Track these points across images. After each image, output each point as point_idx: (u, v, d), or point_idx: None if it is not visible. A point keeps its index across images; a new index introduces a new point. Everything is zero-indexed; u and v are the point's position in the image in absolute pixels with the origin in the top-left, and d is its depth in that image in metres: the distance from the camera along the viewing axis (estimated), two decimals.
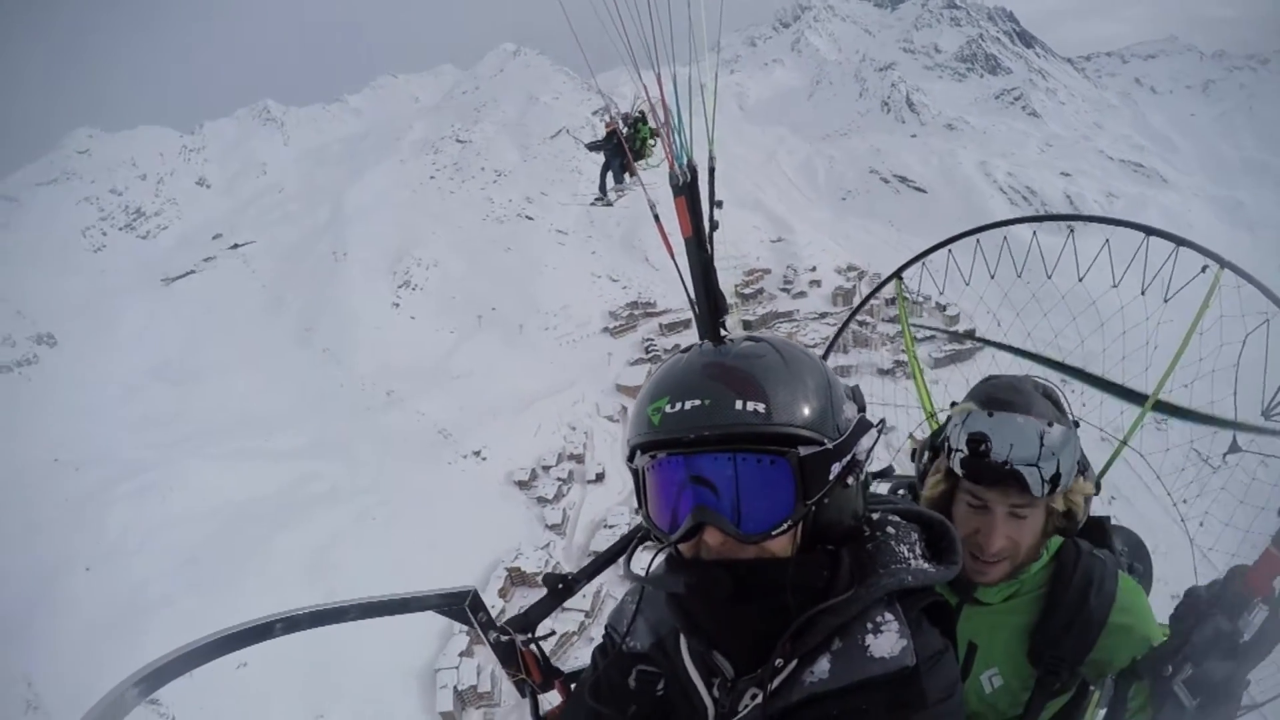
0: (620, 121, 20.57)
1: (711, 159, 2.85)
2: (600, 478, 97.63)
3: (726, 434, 1.68)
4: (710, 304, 2.84)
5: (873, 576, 1.80)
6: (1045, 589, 2.99)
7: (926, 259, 6.02)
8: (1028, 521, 2.80)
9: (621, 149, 21.04)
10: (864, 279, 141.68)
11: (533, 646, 2.77)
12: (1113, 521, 3.66)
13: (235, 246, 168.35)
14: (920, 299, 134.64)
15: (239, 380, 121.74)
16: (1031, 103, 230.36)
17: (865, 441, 1.84)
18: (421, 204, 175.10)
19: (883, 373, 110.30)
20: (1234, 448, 4.70)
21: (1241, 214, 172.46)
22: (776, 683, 1.74)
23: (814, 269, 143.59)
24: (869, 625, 1.74)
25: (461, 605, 2.64)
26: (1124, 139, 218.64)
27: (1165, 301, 5.11)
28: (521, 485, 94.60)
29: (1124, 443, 4.51)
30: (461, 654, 72.46)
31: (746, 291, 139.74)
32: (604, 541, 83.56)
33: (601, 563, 3.30)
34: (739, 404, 1.67)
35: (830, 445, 1.74)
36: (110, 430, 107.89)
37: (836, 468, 1.76)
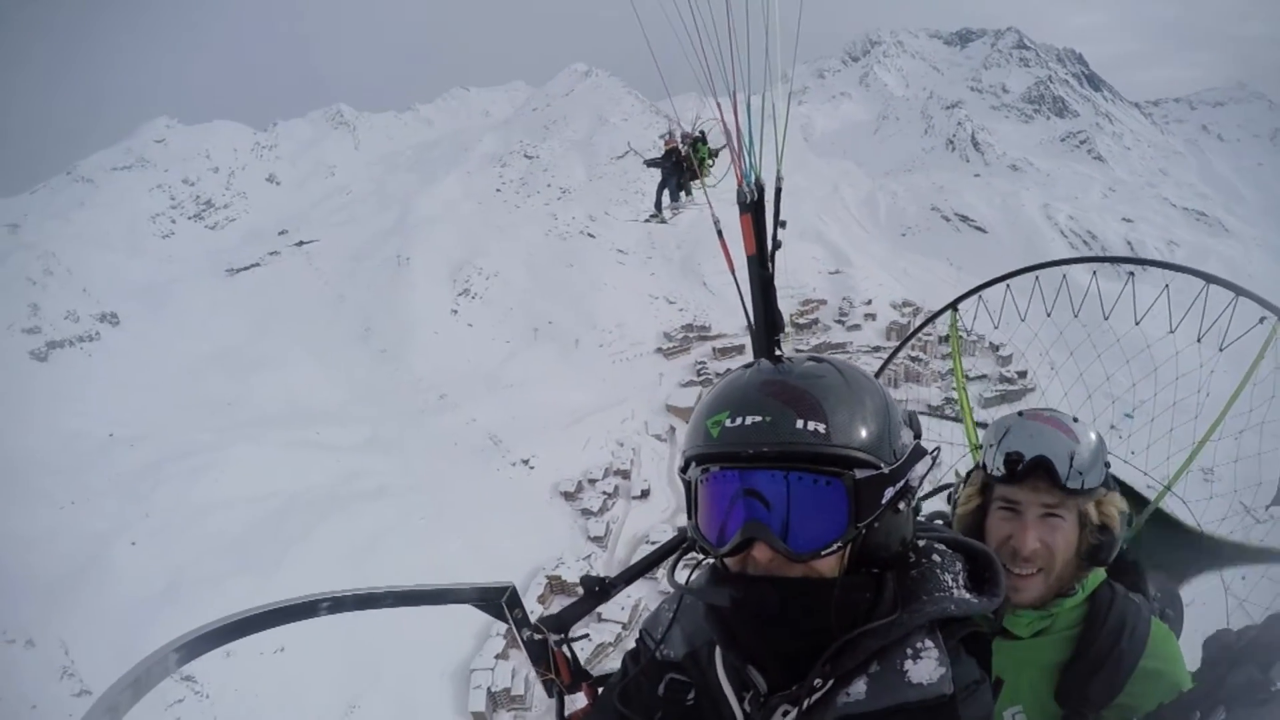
0: (680, 140, 20.53)
1: (779, 179, 3.51)
2: (645, 494, 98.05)
3: (785, 452, 1.67)
4: (768, 322, 3.62)
5: (916, 603, 1.78)
6: (1078, 629, 3.02)
7: (982, 293, 6.10)
8: (1061, 525, 2.88)
9: (680, 167, 20.95)
10: (919, 315, 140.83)
11: (565, 648, 2.81)
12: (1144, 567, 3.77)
13: (300, 244, 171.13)
14: (974, 337, 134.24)
15: (296, 373, 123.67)
16: (1097, 146, 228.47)
17: (919, 468, 1.84)
18: (487, 215, 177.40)
19: (933, 409, 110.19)
20: (1278, 499, 4.72)
21: None
22: (813, 700, 1.73)
23: (869, 302, 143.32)
24: (909, 650, 1.72)
25: (498, 601, 2.71)
26: (1188, 186, 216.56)
27: (1220, 350, 4.91)
28: (567, 496, 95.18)
29: (1167, 488, 4.53)
30: (497, 656, 73.14)
31: (801, 321, 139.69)
32: None
33: (638, 570, 3.38)
34: (799, 423, 1.66)
35: (886, 470, 1.72)
36: (167, 411, 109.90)
37: (890, 492, 1.74)
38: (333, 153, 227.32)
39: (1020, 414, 3.01)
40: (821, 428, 1.66)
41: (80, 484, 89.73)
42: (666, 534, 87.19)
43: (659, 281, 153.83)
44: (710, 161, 19.50)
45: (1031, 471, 2.82)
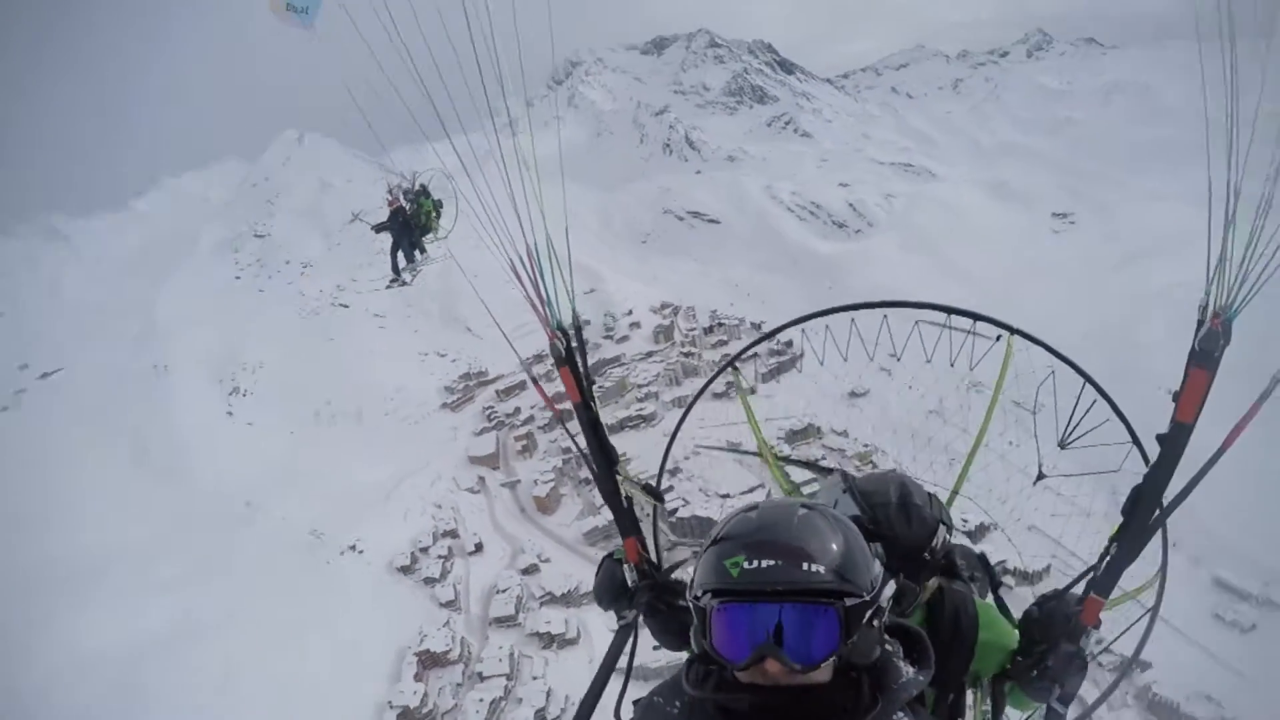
0: (402, 198, 20.83)
1: (576, 319, 4.48)
2: (479, 548, 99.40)
3: (793, 588, 2.25)
4: (605, 458, 4.66)
5: (889, 692, 2.38)
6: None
7: (762, 343, 7.32)
8: None
9: (409, 226, 21.19)
10: (679, 313, 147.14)
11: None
12: (951, 542, 4.51)
13: (45, 375, 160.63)
14: (735, 321, 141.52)
15: (91, 519, 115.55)
16: (801, 125, 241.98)
17: (887, 591, 2.46)
18: (232, 305, 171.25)
19: (717, 396, 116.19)
20: (1040, 475, 5.54)
21: (1008, 190, 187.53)
22: None
23: (630, 312, 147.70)
24: None
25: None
26: (890, 144, 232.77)
27: (971, 369, 5.45)
28: (405, 570, 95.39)
29: (955, 492, 5.43)
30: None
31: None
32: (501, 607, 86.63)
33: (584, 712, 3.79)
34: (804, 565, 2.25)
35: (867, 598, 2.33)
36: None
37: (868, 614, 2.35)
38: (53, 269, 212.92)
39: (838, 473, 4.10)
40: (820, 569, 2.26)
41: None
42: (513, 578, 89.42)
43: (425, 338, 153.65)
44: (435, 214, 20.71)
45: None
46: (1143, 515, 4.03)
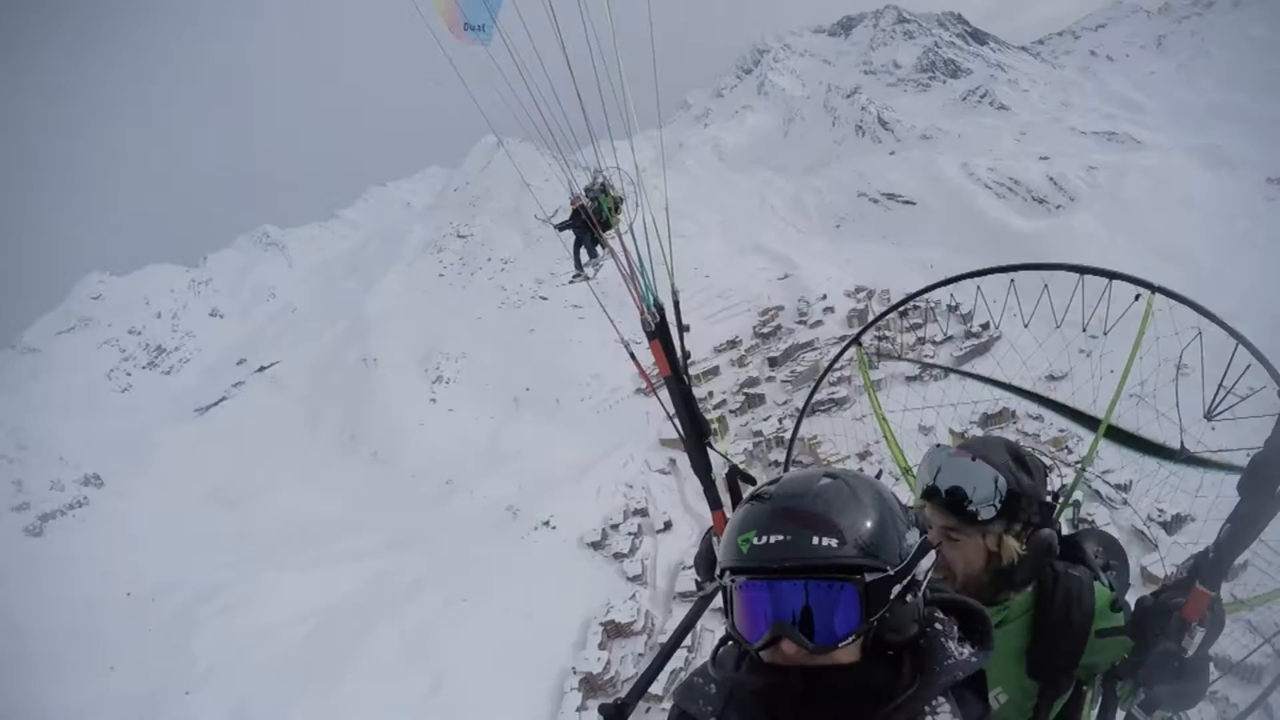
0: (583, 197, 19.86)
1: (675, 292, 4.25)
2: (668, 526, 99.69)
3: (803, 565, 2.04)
4: (695, 431, 4.42)
5: (930, 675, 2.15)
6: (1031, 613, 3.60)
7: (890, 314, 7.04)
8: (960, 546, 3.52)
9: (589, 224, 19.60)
10: (873, 297, 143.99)
11: None
12: (1084, 527, 4.49)
13: (262, 369, 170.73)
14: (931, 304, 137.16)
15: (294, 494, 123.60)
16: (997, 97, 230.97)
17: (925, 563, 2.20)
18: (437, 301, 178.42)
19: (910, 379, 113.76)
20: (1182, 451, 5.04)
21: (1221, 156, 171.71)
22: None
23: (824, 296, 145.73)
24: (926, 710, 2.12)
25: None
26: (1092, 111, 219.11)
27: (1105, 334, 5.30)
28: (595, 546, 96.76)
29: (1083, 468, 4.97)
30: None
31: (765, 331, 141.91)
32: (686, 583, 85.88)
33: (649, 678, 3.85)
34: (815, 539, 2.03)
35: (892, 572, 2.09)
36: (176, 559, 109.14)
37: (897, 589, 2.12)
38: (268, 274, 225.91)
39: (939, 447, 3.65)
40: (834, 543, 2.01)
41: (113, 648, 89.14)
42: None
43: (620, 326, 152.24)
44: (615, 211, 19.14)
45: (933, 497, 3.53)
46: (1263, 490, 3.33)
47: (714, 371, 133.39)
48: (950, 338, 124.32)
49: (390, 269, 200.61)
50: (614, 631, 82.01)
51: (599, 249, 20.44)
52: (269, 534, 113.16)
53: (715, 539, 4.28)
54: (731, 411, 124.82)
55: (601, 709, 3.41)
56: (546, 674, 77.16)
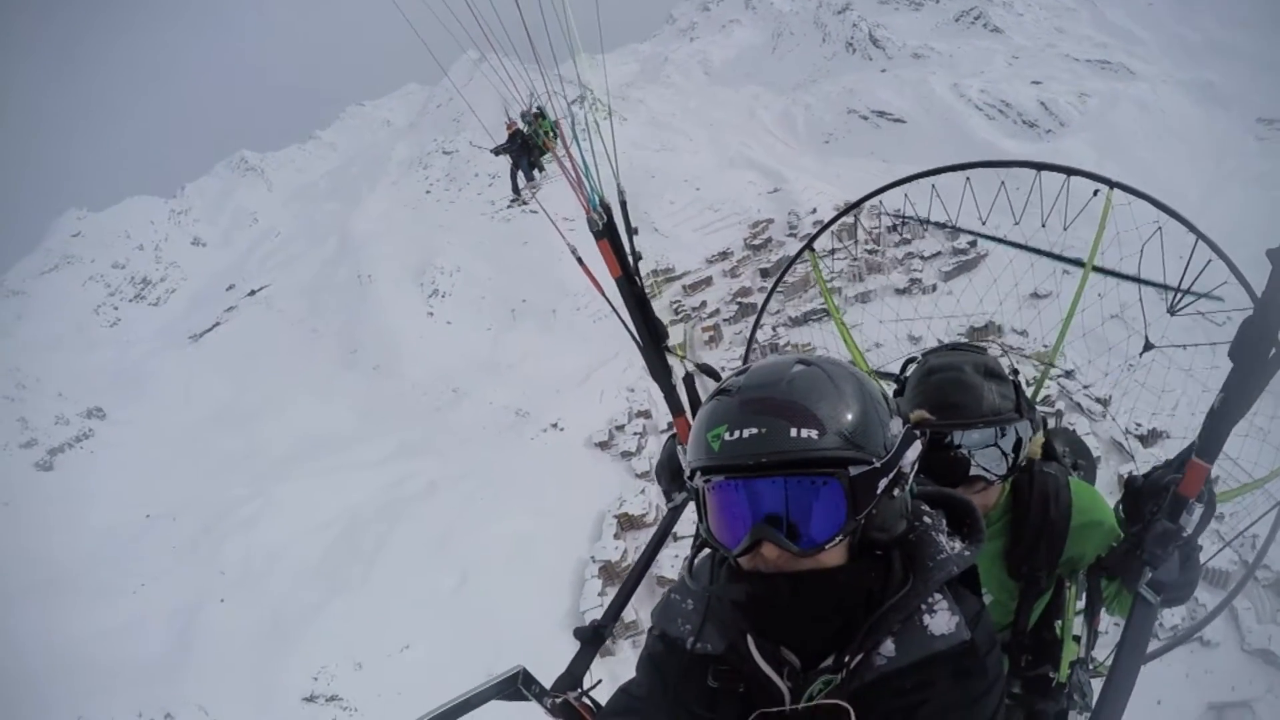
0: (520, 120, 21.57)
1: (621, 193, 4.07)
2: (671, 427, 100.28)
3: (782, 459, 1.85)
4: (651, 334, 4.35)
5: (923, 571, 2.00)
6: (1009, 515, 3.57)
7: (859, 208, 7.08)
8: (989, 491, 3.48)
9: (527, 146, 22.08)
10: (863, 211, 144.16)
11: (585, 699, 3.09)
12: (1051, 426, 4.28)
13: (253, 293, 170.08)
14: (917, 219, 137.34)
15: (300, 410, 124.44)
16: (991, 19, 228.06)
17: (910, 454, 2.02)
18: (427, 218, 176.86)
19: (899, 292, 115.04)
20: (1147, 346, 5.32)
21: (1213, 93, 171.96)
22: (852, 666, 1.94)
23: (814, 210, 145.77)
24: (923, 606, 1.97)
25: (515, 685, 3.01)
26: (1087, 39, 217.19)
27: (1064, 229, 5.35)
28: (603, 446, 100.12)
29: (1050, 364, 5.20)
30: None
31: (756, 243, 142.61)
32: None
33: (623, 600, 3.79)
34: (792, 431, 1.84)
35: (878, 464, 1.91)
36: (189, 481, 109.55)
37: (884, 483, 1.94)
38: (248, 200, 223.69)
39: (933, 352, 3.68)
40: (814, 434, 1.84)
41: (140, 567, 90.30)
42: None
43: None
44: (552, 134, 20.48)
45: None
46: (1254, 354, 3.01)
47: (707, 281, 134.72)
48: (939, 253, 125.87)
49: (375, 188, 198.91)
50: (628, 523, 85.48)
51: (536, 172, 23.73)
52: (279, 449, 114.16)
53: (680, 446, 3.69)
54: (725, 320, 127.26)
55: (576, 632, 3.42)
56: (565, 565, 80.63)
